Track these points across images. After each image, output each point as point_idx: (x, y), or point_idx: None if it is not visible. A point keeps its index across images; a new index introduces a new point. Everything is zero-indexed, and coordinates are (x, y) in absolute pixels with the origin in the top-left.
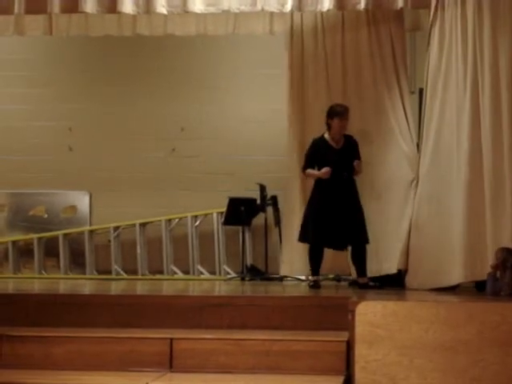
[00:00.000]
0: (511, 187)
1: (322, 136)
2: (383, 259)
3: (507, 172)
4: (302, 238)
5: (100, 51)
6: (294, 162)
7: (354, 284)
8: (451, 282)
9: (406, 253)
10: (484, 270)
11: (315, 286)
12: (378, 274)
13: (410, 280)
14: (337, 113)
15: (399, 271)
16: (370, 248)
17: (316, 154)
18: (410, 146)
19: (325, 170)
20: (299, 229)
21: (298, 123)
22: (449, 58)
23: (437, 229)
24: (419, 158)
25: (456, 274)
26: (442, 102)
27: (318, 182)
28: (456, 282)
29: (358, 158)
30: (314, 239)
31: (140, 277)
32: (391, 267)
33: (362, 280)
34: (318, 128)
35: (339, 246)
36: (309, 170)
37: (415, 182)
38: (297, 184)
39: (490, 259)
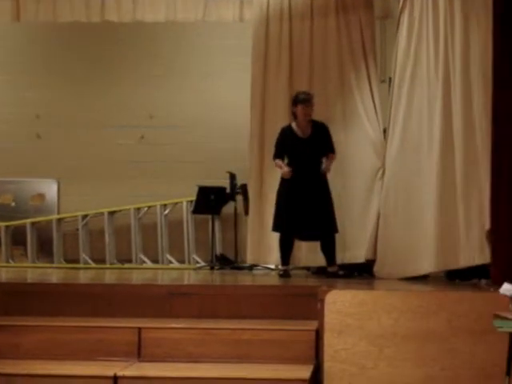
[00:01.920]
0: (483, 176)
1: (290, 125)
2: (350, 247)
3: (479, 161)
4: (274, 227)
5: (68, 38)
6: (255, 152)
7: (319, 272)
8: (421, 272)
9: (374, 242)
10: (456, 259)
11: (285, 275)
12: (344, 262)
13: (378, 269)
14: (300, 100)
15: (368, 260)
16: (337, 236)
17: (283, 143)
18: (378, 135)
19: (286, 169)
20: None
21: (259, 111)
22: (418, 45)
23: (405, 218)
24: (386, 146)
25: (426, 264)
26: (411, 89)
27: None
28: (426, 272)
29: (331, 147)
30: (283, 229)
31: (108, 266)
32: (357, 255)
33: (331, 269)
34: (277, 116)
35: (308, 238)
36: (276, 161)
37: (382, 170)
38: (257, 173)
39: (462, 248)
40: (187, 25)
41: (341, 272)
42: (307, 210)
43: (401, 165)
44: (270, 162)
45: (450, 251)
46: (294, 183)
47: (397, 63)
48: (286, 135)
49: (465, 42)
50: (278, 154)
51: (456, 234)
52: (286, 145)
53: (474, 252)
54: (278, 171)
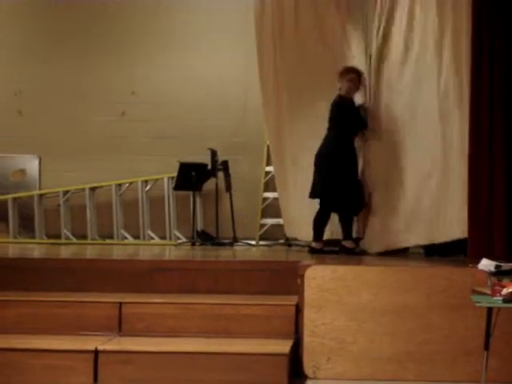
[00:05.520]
0: (460, 152)
1: None
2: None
3: (456, 137)
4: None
5: (50, 14)
6: None
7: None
8: (407, 244)
9: (362, 219)
10: (437, 234)
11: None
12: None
13: (365, 243)
14: None
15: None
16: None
17: None
18: None
19: None
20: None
21: None
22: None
23: (386, 193)
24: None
25: (413, 237)
26: (384, 69)
27: None
28: (412, 244)
29: None
30: None
31: (90, 241)
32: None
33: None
34: None
35: None
36: None
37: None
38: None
39: (441, 223)
40: (169, 2)
41: (326, 248)
42: None
43: (382, 142)
44: None
45: (432, 226)
46: None
47: (374, 45)
48: None
49: (439, 24)
50: None
51: (435, 209)
52: None
53: (453, 227)
54: None
